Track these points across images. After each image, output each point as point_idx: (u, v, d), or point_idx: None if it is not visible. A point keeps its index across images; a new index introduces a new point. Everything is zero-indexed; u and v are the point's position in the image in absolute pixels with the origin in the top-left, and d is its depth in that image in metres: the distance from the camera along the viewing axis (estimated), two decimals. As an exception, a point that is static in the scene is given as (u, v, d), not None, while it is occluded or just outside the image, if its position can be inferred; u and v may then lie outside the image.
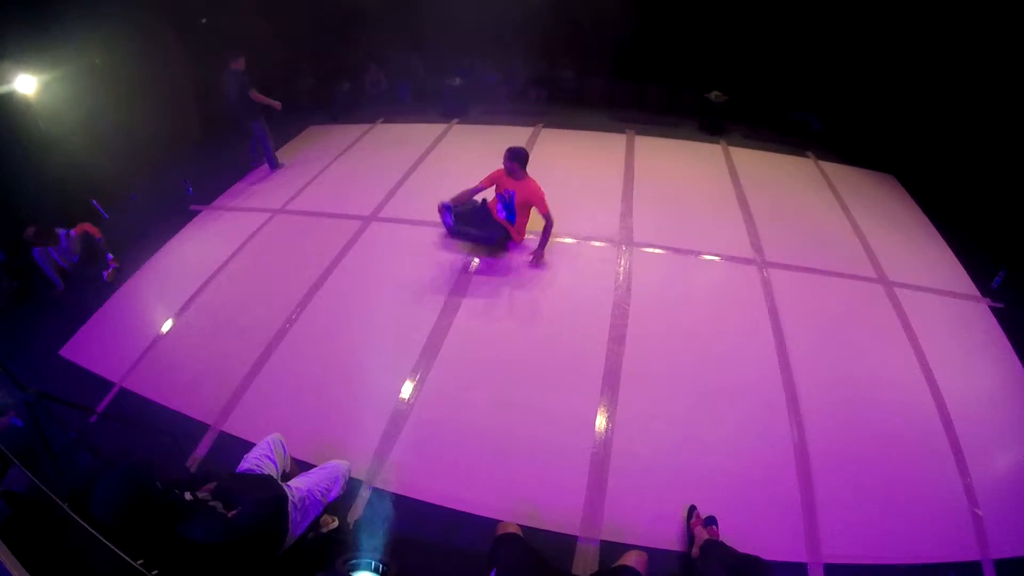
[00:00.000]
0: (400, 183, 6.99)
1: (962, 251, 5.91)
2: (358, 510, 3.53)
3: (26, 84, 5.76)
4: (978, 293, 5.35)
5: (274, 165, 7.75)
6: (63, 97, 6.25)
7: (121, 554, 2.51)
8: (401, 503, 3.57)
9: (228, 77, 6.98)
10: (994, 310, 5.13)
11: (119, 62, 6.99)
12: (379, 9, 9.49)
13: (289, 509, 2.80)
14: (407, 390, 4.28)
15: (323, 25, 9.59)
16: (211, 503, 2.60)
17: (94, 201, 6.71)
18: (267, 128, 7.46)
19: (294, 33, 9.29)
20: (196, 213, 6.92)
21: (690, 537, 3.27)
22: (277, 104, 7.33)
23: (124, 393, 4.58)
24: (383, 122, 9.15)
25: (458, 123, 8.89)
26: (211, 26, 8.49)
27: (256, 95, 7.09)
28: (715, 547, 2.93)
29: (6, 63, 5.65)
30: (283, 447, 3.26)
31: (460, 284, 5.29)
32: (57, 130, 6.28)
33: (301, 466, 3.47)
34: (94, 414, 4.02)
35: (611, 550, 3.26)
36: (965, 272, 5.64)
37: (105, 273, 5.96)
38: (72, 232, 5.92)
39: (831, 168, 7.58)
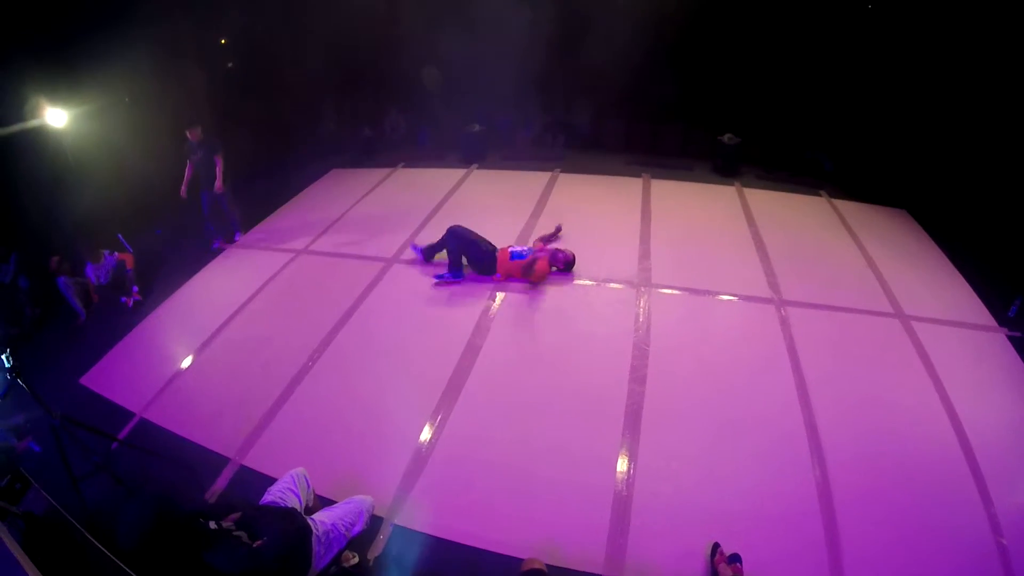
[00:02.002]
0: (421, 226, 7.13)
1: (977, 282, 5.89)
2: (379, 547, 3.51)
3: (57, 118, 5.99)
4: (995, 323, 5.32)
5: (211, 235, 7.35)
6: (93, 132, 6.58)
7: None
8: (423, 541, 3.54)
9: (191, 148, 6.79)
10: (1012, 339, 5.09)
11: (148, 102, 7.33)
12: (398, 55, 9.85)
13: (312, 542, 2.80)
14: (429, 429, 4.29)
15: (344, 70, 9.92)
16: (235, 533, 2.61)
17: (119, 235, 6.92)
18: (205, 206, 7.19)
19: (316, 78, 9.61)
20: (220, 251, 7.12)
21: (714, 575, 3.21)
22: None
23: (144, 424, 4.65)
24: (403, 167, 9.41)
25: (477, 168, 9.10)
26: (237, 69, 8.85)
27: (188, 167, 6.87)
28: (741, 585, 2.88)
29: (38, 97, 5.93)
30: (307, 481, 3.28)
31: (481, 326, 5.34)
32: (86, 164, 6.60)
33: (323, 501, 3.48)
34: (116, 441, 4.06)
35: (636, 589, 3.22)
36: (981, 303, 5.60)
37: (126, 299, 6.16)
38: (116, 255, 6.25)
39: (844, 206, 7.64)
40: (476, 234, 6.01)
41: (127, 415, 4.72)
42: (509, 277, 5.90)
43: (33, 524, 3.20)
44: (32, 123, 5.85)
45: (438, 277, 6.01)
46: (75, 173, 6.57)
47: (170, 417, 4.67)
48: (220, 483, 4.05)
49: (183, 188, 6.94)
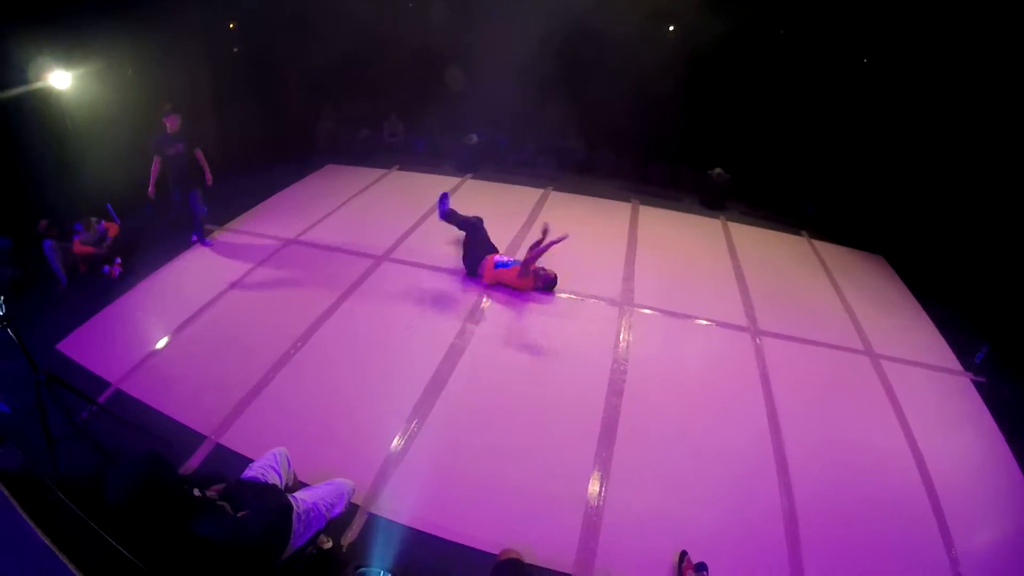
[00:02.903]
0: (413, 228, 7.21)
1: (947, 329, 6.18)
2: (353, 533, 3.53)
3: (61, 80, 5.92)
4: (961, 368, 5.59)
5: (202, 237, 6.84)
6: (93, 101, 6.51)
7: (110, 539, 2.51)
8: (397, 531, 3.56)
9: (166, 141, 6.14)
10: (976, 384, 5.35)
11: (150, 76, 7.29)
12: (403, 64, 9.97)
13: (293, 519, 2.81)
14: (408, 425, 4.32)
15: (349, 71, 9.98)
16: (219, 503, 2.62)
17: (108, 205, 6.86)
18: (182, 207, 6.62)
19: (320, 75, 9.66)
20: (209, 232, 7.06)
21: (681, 582, 3.30)
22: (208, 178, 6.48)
23: (119, 394, 4.58)
24: (399, 169, 9.50)
25: (472, 178, 9.24)
26: (241, 56, 8.86)
27: (155, 163, 6.18)
28: (708, 591, 2.97)
29: (43, 59, 5.89)
30: (288, 461, 3.29)
31: (466, 329, 5.42)
32: (84, 131, 6.53)
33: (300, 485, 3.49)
34: (97, 406, 4.01)
35: (605, 591, 3.29)
36: (949, 348, 5.88)
37: (108, 269, 6.15)
38: (103, 223, 6.27)
39: (824, 247, 7.96)
40: (486, 236, 6.22)
41: (103, 384, 4.65)
42: (496, 284, 6.02)
43: (7, 481, 3.15)
44: (37, 85, 5.79)
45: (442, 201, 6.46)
46: (73, 139, 6.50)
47: (146, 391, 4.61)
48: (195, 460, 4.02)
49: (152, 187, 6.26)
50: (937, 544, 3.78)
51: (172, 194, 6.53)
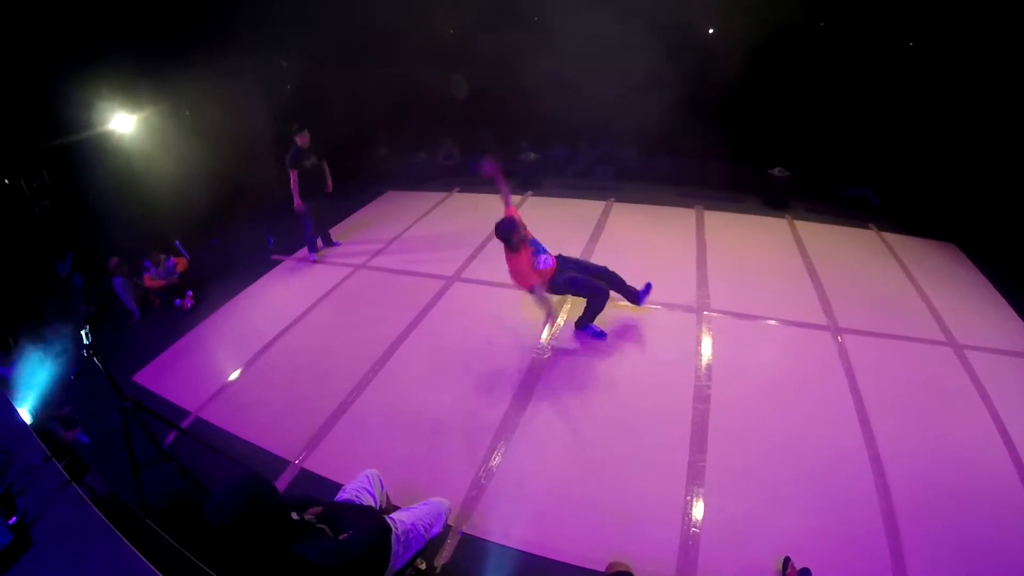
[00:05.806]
0: (480, 247, 7.18)
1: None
2: (447, 554, 3.44)
3: (124, 123, 6.22)
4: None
5: (312, 249, 7.31)
6: (155, 142, 6.81)
7: (202, 565, 2.47)
8: (491, 550, 3.48)
9: (302, 155, 6.63)
10: None
11: (207, 115, 7.58)
12: (456, 85, 10.12)
13: (392, 541, 2.75)
14: (496, 442, 4.25)
15: (400, 98, 10.15)
16: (318, 526, 2.57)
17: (177, 242, 7.11)
18: (311, 215, 7.03)
19: (372, 104, 9.85)
20: (278, 263, 7.21)
21: (786, 589, 3.11)
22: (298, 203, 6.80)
23: (199, 423, 4.66)
24: (459, 191, 9.59)
25: (532, 195, 9.23)
26: (294, 91, 9.10)
27: (294, 177, 6.64)
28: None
29: (106, 103, 6.19)
30: (380, 483, 3.23)
31: (546, 342, 5.35)
32: (148, 171, 6.81)
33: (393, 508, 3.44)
34: (182, 432, 4.05)
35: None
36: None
37: (180, 302, 6.34)
38: (172, 259, 6.50)
39: (893, 239, 7.60)
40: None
41: (181, 413, 4.73)
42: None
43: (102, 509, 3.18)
44: (102, 128, 6.04)
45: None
46: (138, 180, 6.78)
47: (226, 418, 4.68)
48: (280, 485, 4.01)
49: (297, 201, 6.75)
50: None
51: (301, 205, 6.85)
